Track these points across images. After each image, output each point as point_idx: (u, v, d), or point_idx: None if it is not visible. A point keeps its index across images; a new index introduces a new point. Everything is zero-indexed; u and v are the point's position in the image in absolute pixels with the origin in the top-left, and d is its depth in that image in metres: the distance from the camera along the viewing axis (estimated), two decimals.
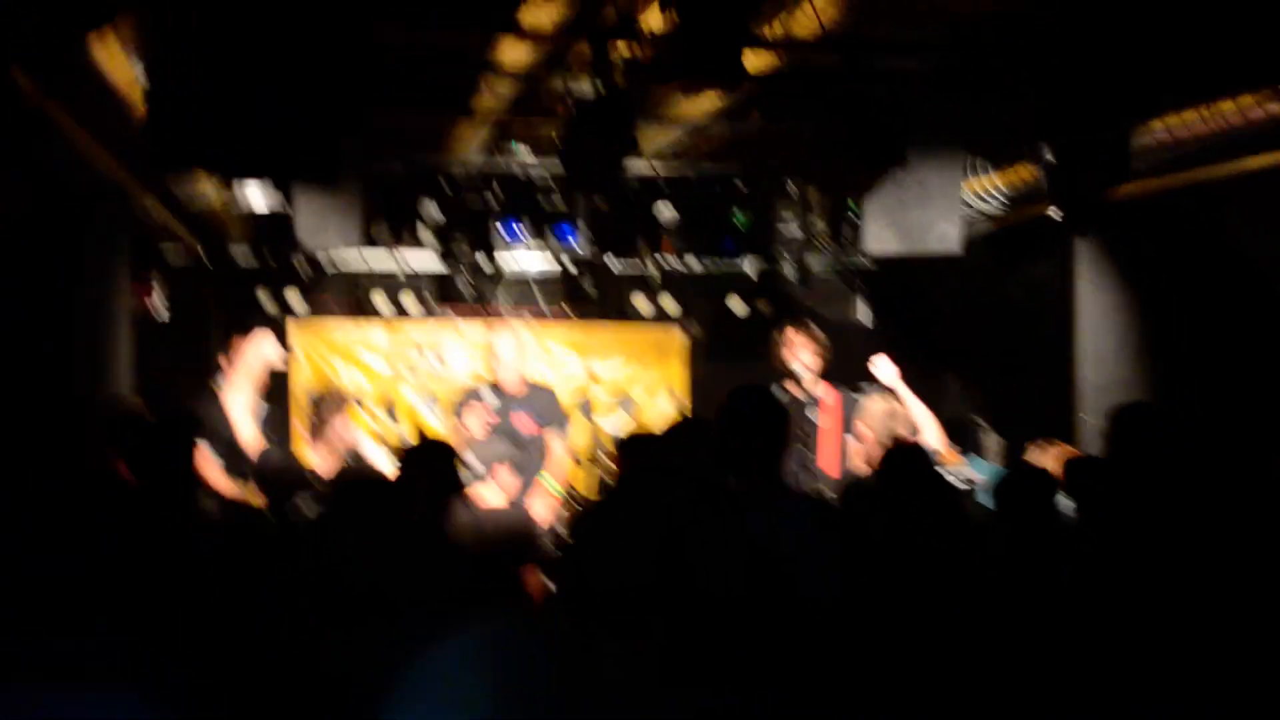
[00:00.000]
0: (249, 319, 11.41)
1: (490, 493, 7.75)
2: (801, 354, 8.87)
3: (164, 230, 9.77)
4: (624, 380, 12.43)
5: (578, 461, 9.26)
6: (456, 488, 5.82)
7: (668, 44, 6.41)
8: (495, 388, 9.33)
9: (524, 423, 9.28)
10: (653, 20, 6.83)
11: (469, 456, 7.96)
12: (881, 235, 8.45)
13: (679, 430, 4.82)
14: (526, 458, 9.01)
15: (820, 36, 6.39)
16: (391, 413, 11.76)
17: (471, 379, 10.48)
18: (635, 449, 5.57)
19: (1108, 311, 8.56)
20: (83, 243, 8.11)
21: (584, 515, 2.21)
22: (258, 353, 7.84)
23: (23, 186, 7.66)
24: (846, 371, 11.90)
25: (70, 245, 8.02)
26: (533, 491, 8.82)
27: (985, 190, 8.65)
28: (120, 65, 5.66)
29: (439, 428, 11.87)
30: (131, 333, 8.45)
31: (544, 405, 9.50)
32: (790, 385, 8.80)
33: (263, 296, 11.21)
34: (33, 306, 7.77)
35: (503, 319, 11.74)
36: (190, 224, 9.77)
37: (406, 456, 6.04)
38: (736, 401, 4.93)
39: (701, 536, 4.34)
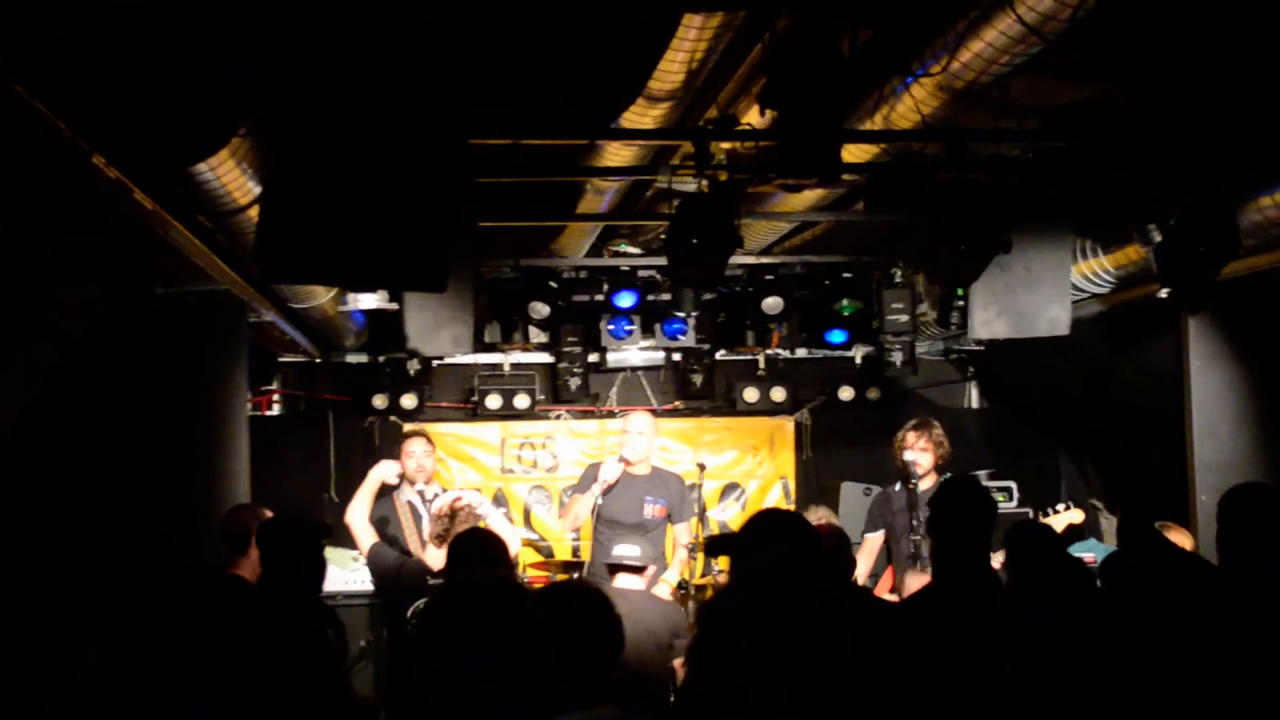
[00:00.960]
0: (362, 419, 11.62)
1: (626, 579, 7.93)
2: (921, 456, 8.97)
3: (282, 337, 9.97)
4: (736, 473, 12.44)
5: (690, 552, 9.25)
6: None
7: (768, 140, 6.49)
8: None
9: (655, 506, 9.34)
10: (753, 117, 6.92)
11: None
12: (990, 321, 8.44)
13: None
14: (653, 544, 9.06)
15: (920, 127, 6.42)
16: (503, 507, 11.86)
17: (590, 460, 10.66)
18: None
19: (1221, 389, 8.45)
20: (204, 352, 8.32)
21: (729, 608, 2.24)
22: (379, 474, 8.23)
23: (145, 299, 7.90)
24: (960, 456, 11.84)
25: (192, 355, 8.22)
26: (652, 579, 8.86)
27: (1094, 272, 8.60)
28: (238, 182, 5.82)
29: (550, 524, 11.95)
30: (250, 437, 8.61)
31: (670, 490, 9.52)
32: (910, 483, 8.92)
33: (376, 399, 11.36)
34: (156, 414, 7.97)
35: (614, 414, 11.86)
36: (307, 331, 9.96)
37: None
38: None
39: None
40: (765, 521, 4.48)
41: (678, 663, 7.41)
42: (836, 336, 11.55)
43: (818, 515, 8.98)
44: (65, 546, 5.77)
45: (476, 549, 6.08)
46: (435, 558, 8.11)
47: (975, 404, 13.33)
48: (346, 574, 9.97)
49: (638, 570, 8.27)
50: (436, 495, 9.11)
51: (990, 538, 5.32)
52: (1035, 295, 8.40)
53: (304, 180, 4.96)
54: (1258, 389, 8.44)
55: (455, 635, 3.01)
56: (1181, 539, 7.64)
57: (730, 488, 12.37)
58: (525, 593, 3.17)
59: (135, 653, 3.57)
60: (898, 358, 11.14)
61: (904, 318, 10.80)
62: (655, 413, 11.97)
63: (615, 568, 8.26)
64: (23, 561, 5.78)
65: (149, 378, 8.10)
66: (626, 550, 8.25)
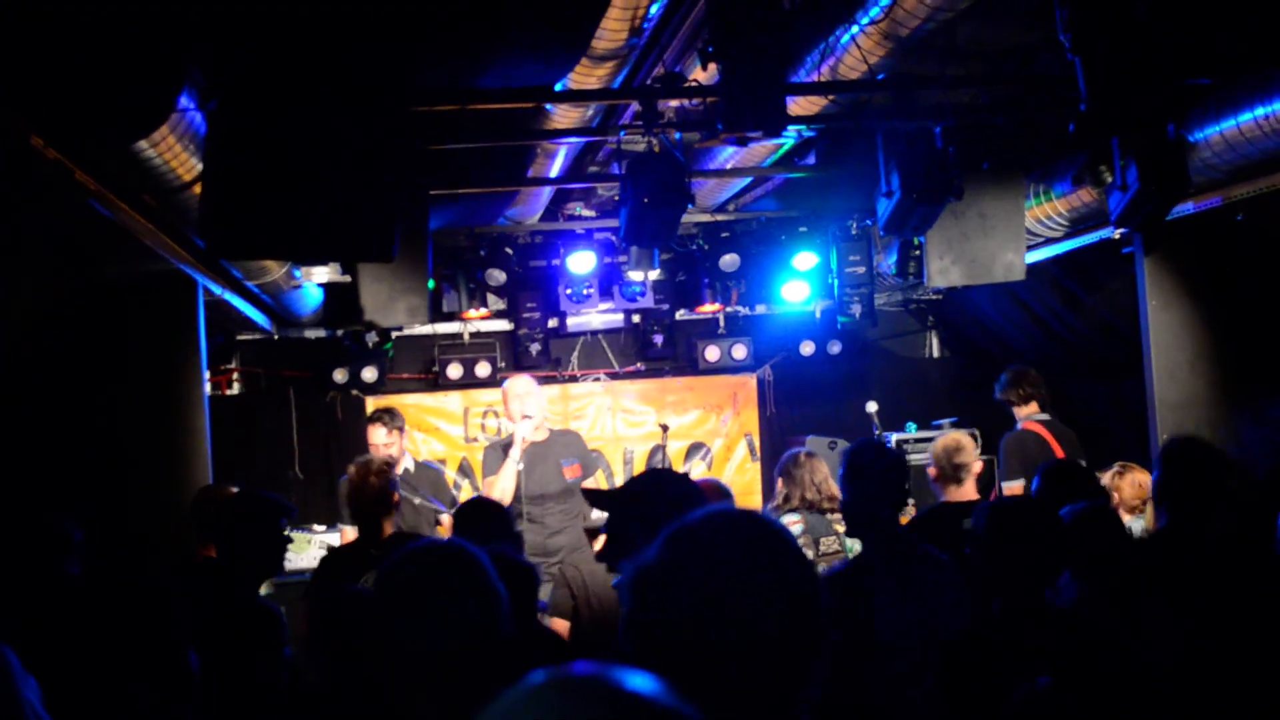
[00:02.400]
0: (323, 395, 11.58)
1: None
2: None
3: (239, 315, 9.91)
4: (700, 432, 12.45)
5: None
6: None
7: (714, 96, 6.47)
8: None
9: (570, 467, 9.13)
10: (701, 74, 6.89)
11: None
12: (946, 269, 8.45)
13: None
14: (574, 503, 9.00)
15: (867, 77, 6.41)
16: (469, 476, 11.84)
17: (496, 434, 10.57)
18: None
19: (1178, 329, 8.48)
20: (159, 333, 8.26)
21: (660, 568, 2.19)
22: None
23: (94, 282, 7.83)
24: (923, 405, 11.89)
25: (146, 337, 8.16)
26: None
27: (1047, 216, 8.61)
28: (181, 159, 5.76)
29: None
30: (211, 417, 8.56)
31: (575, 447, 9.33)
32: None
33: (337, 373, 11.31)
34: (112, 396, 7.91)
35: (575, 379, 11.85)
36: (263, 307, 9.90)
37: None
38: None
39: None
40: (652, 480, 4.46)
41: None
42: (795, 292, 11.55)
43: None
44: (25, 534, 5.71)
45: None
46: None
47: (936, 353, 13.37)
48: (307, 554, 9.89)
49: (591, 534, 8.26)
50: (406, 470, 9.09)
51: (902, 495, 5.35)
52: (990, 242, 8.41)
53: (247, 154, 4.92)
54: (1213, 327, 8.47)
55: (410, 606, 3.00)
56: (1143, 478, 7.67)
57: (695, 447, 12.38)
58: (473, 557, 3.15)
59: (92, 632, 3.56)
60: (857, 310, 11.15)
61: (861, 269, 10.82)
62: (616, 375, 11.98)
63: (597, 532, 8.17)
64: None
65: (103, 361, 8.04)
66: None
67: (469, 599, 3.05)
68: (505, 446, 8.93)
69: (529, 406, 8.88)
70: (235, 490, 6.96)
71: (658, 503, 3.98)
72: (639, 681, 1.57)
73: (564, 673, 1.58)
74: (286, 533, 5.74)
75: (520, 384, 9.08)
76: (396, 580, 3.08)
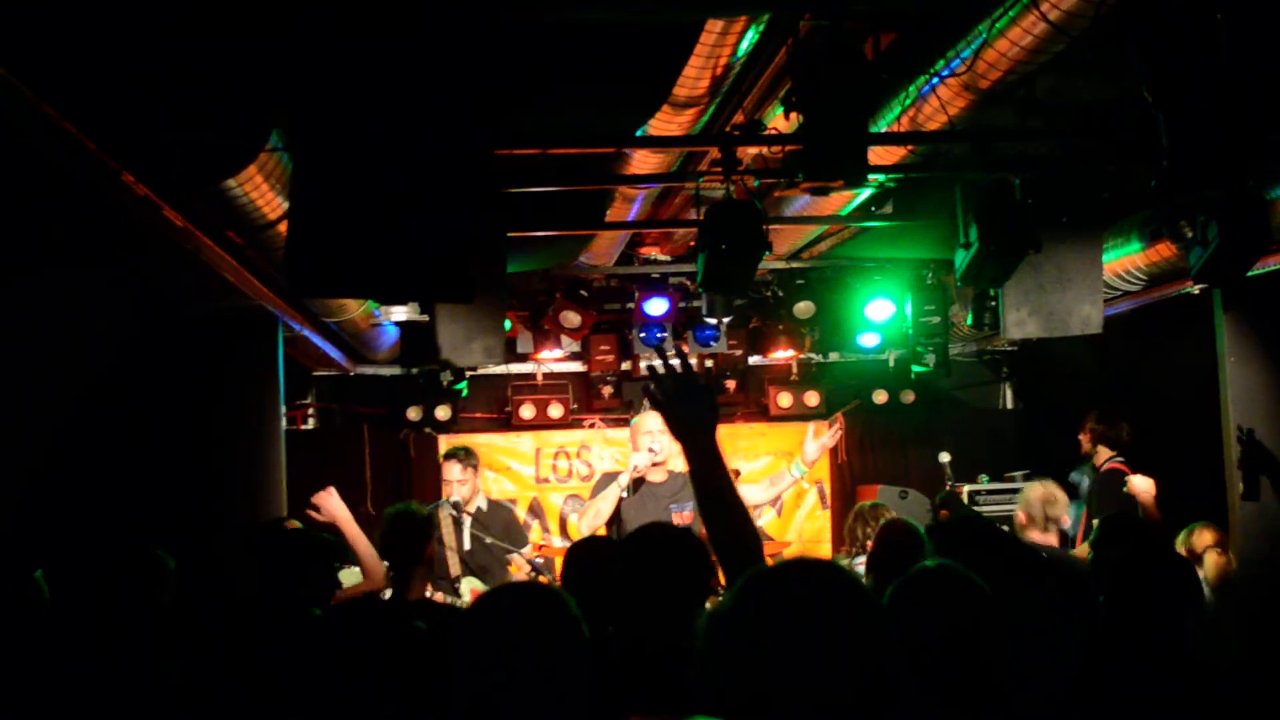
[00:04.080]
0: (397, 432, 11.67)
1: None
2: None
3: (315, 351, 10.02)
4: (773, 476, 12.40)
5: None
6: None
7: (794, 144, 6.50)
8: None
9: (681, 514, 9.10)
10: (780, 121, 6.92)
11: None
12: (1022, 321, 8.40)
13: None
14: None
15: (946, 128, 6.42)
16: (539, 517, 11.89)
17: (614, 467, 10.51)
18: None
19: (1256, 386, 8.39)
20: (238, 369, 8.37)
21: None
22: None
23: (179, 316, 7.95)
24: (995, 457, 11.81)
25: (226, 372, 8.28)
26: None
27: (1125, 270, 8.57)
28: (267, 197, 5.85)
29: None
30: (287, 450, 8.65)
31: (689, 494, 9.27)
32: None
33: (410, 411, 11.41)
34: (194, 429, 8.03)
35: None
36: (339, 344, 10.00)
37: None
38: None
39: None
40: (650, 534, 4.45)
41: None
42: (869, 340, 11.54)
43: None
44: (103, 564, 5.81)
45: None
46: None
47: (1010, 405, 13.29)
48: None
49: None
50: (479, 509, 9.14)
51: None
52: (1067, 294, 8.36)
53: (332, 194, 4.97)
54: None
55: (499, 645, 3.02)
56: (1210, 537, 7.64)
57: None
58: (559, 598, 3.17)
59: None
60: (931, 360, 11.12)
61: (936, 319, 10.78)
62: None
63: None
64: (59, 580, 5.81)
65: (183, 396, 8.16)
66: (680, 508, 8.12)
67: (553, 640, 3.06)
68: (618, 475, 8.87)
69: (656, 443, 8.83)
70: (294, 525, 7.03)
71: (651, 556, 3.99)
72: None
73: None
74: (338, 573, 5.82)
75: (650, 420, 9.04)
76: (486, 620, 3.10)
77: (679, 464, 9.64)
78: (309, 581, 5.75)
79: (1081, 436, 9.79)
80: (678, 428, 3.48)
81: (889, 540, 6.38)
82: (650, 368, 3.54)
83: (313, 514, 7.31)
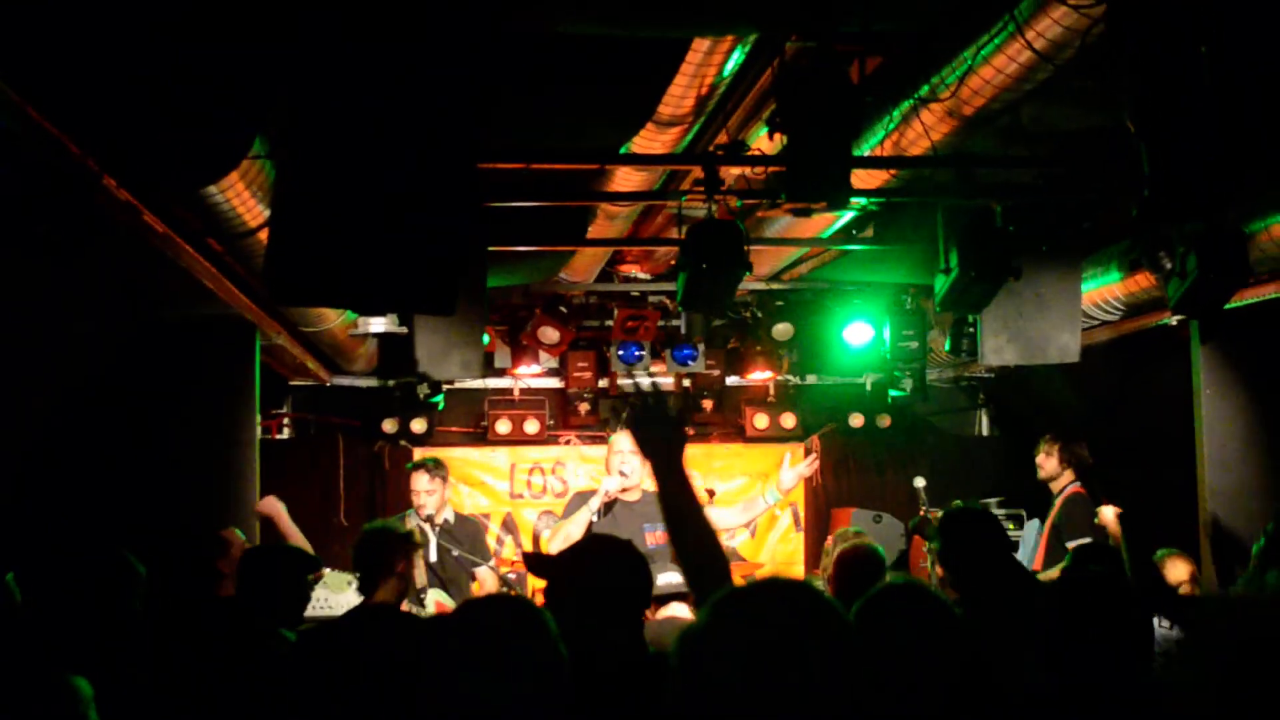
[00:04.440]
0: (372, 444, 11.64)
1: None
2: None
3: (292, 361, 9.99)
4: (745, 499, 12.40)
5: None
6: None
7: (778, 165, 6.50)
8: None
9: (654, 533, 9.05)
10: (763, 142, 6.93)
11: None
12: (1000, 347, 8.43)
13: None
14: (660, 570, 8.90)
15: (929, 153, 6.43)
16: (512, 533, 11.85)
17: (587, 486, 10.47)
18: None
19: (1231, 416, 8.44)
20: (215, 376, 8.35)
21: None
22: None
23: (156, 322, 7.92)
24: (971, 483, 11.82)
25: (202, 379, 8.25)
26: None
27: (1104, 299, 8.60)
28: (248, 205, 5.84)
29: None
30: (261, 459, 8.63)
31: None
32: None
33: (386, 423, 11.39)
34: (168, 435, 8.00)
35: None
36: (316, 354, 9.98)
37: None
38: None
39: None
40: (594, 547, 4.45)
41: None
42: (847, 363, 11.54)
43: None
44: (75, 568, 5.77)
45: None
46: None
47: (985, 431, 13.31)
48: (343, 597, 9.85)
49: (685, 598, 8.08)
50: (446, 521, 9.10)
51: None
52: (1046, 322, 8.39)
53: (314, 202, 4.95)
54: (1266, 416, 8.43)
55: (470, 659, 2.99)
56: (1183, 566, 7.65)
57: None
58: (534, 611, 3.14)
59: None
60: (908, 385, 11.13)
61: (914, 344, 10.79)
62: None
63: (664, 598, 7.89)
64: (32, 586, 5.78)
65: (159, 401, 8.13)
66: (670, 578, 8.05)
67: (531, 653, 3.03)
68: (591, 495, 8.81)
69: (625, 465, 8.80)
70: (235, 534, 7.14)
71: (593, 571, 3.98)
72: None
73: None
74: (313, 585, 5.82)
75: (623, 440, 9.01)
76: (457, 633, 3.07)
77: (652, 483, 9.61)
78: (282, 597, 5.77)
79: (1043, 459, 9.72)
80: (646, 447, 3.63)
81: (850, 563, 6.46)
82: (633, 386, 3.65)
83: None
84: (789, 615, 2.34)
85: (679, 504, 3.48)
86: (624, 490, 8.71)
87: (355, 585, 9.19)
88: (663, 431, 3.62)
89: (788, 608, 2.36)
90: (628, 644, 3.77)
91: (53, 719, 2.37)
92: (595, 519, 8.59)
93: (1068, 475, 9.55)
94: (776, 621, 2.32)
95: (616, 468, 8.69)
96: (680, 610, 7.88)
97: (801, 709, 2.25)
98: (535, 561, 4.35)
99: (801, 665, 2.27)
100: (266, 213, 5.94)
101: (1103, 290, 8.57)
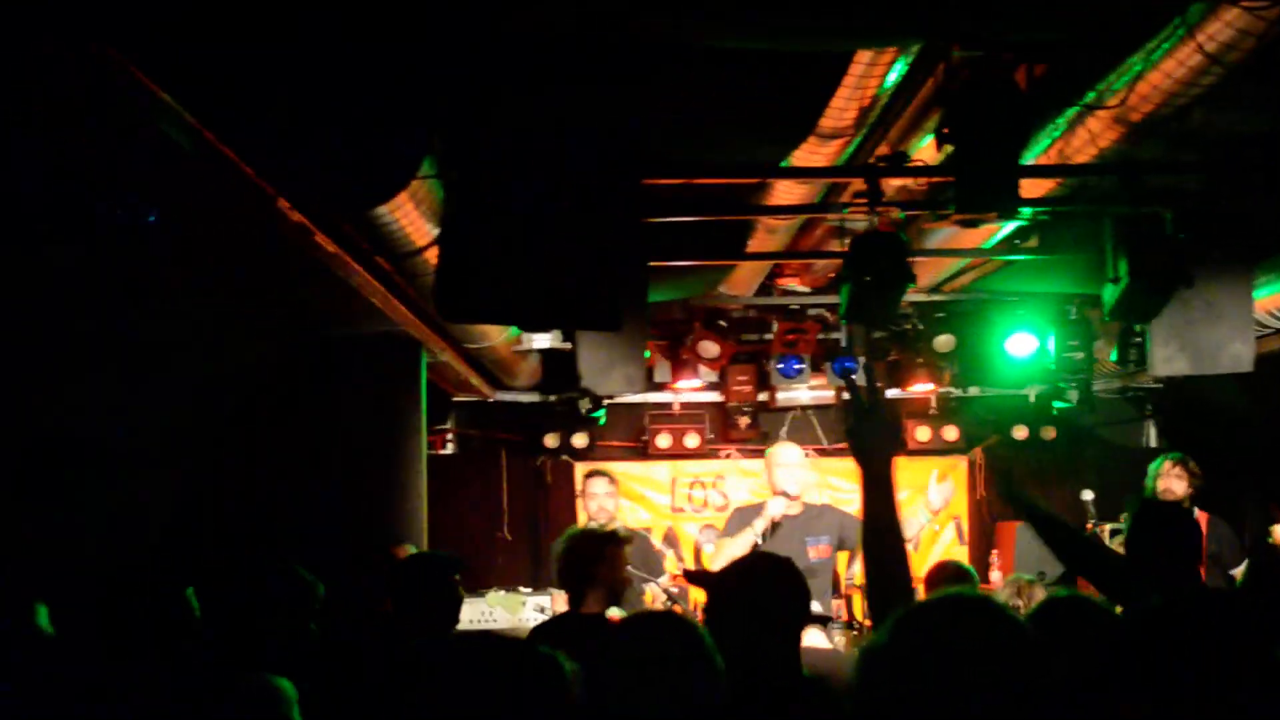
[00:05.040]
0: (534, 458, 11.75)
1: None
2: (1175, 484, 8.73)
3: (456, 377, 10.12)
4: (908, 512, 12.29)
5: (861, 589, 9.03)
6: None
7: (942, 176, 6.45)
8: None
9: (817, 547, 9.00)
10: (924, 152, 6.88)
11: None
12: (1170, 357, 8.26)
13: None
14: (816, 584, 8.88)
15: (1096, 160, 6.33)
16: (674, 546, 11.87)
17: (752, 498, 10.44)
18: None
19: None
20: (382, 393, 8.49)
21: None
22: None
23: (326, 339, 8.08)
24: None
25: (370, 396, 8.39)
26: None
27: (1278, 307, 8.39)
28: (416, 224, 5.93)
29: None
30: (427, 474, 8.75)
31: (829, 521, 9.17)
32: None
33: (548, 438, 11.50)
34: (339, 452, 8.15)
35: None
36: (480, 370, 10.10)
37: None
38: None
39: None
40: (755, 565, 4.42)
41: None
42: (1009, 375, 11.39)
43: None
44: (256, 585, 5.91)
45: None
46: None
47: (1154, 443, 13.04)
48: (518, 616, 9.92)
49: (822, 622, 8.02)
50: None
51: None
52: (1217, 331, 8.20)
53: (481, 222, 5.03)
54: None
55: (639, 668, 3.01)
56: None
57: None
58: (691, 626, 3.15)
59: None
60: (1073, 396, 10.96)
61: (1079, 355, 10.62)
62: (825, 451, 11.89)
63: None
64: (213, 602, 5.93)
65: (329, 419, 8.29)
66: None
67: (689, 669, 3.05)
68: (755, 512, 8.76)
69: (788, 480, 8.74)
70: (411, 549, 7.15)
71: (753, 589, 3.96)
72: None
73: None
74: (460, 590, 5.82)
75: (784, 453, 8.95)
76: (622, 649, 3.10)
77: (814, 495, 9.58)
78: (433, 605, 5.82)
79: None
80: (860, 453, 3.51)
81: (938, 580, 6.42)
82: (849, 387, 3.60)
83: None
84: (972, 631, 2.32)
85: (881, 516, 3.43)
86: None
87: (530, 604, 9.30)
88: (880, 438, 3.53)
89: (970, 623, 2.34)
90: (783, 663, 3.76)
91: (262, 716, 2.44)
92: (760, 541, 8.53)
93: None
94: (960, 637, 2.30)
95: (780, 481, 8.64)
96: (817, 638, 7.83)
97: None
98: (697, 578, 4.37)
99: (984, 680, 2.25)
100: (434, 232, 6.03)
101: (1276, 298, 8.36)
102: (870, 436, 3.51)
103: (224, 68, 4.52)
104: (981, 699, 2.24)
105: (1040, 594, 7.33)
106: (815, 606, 7.37)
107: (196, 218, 5.56)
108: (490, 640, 4.41)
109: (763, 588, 3.98)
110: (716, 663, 3.10)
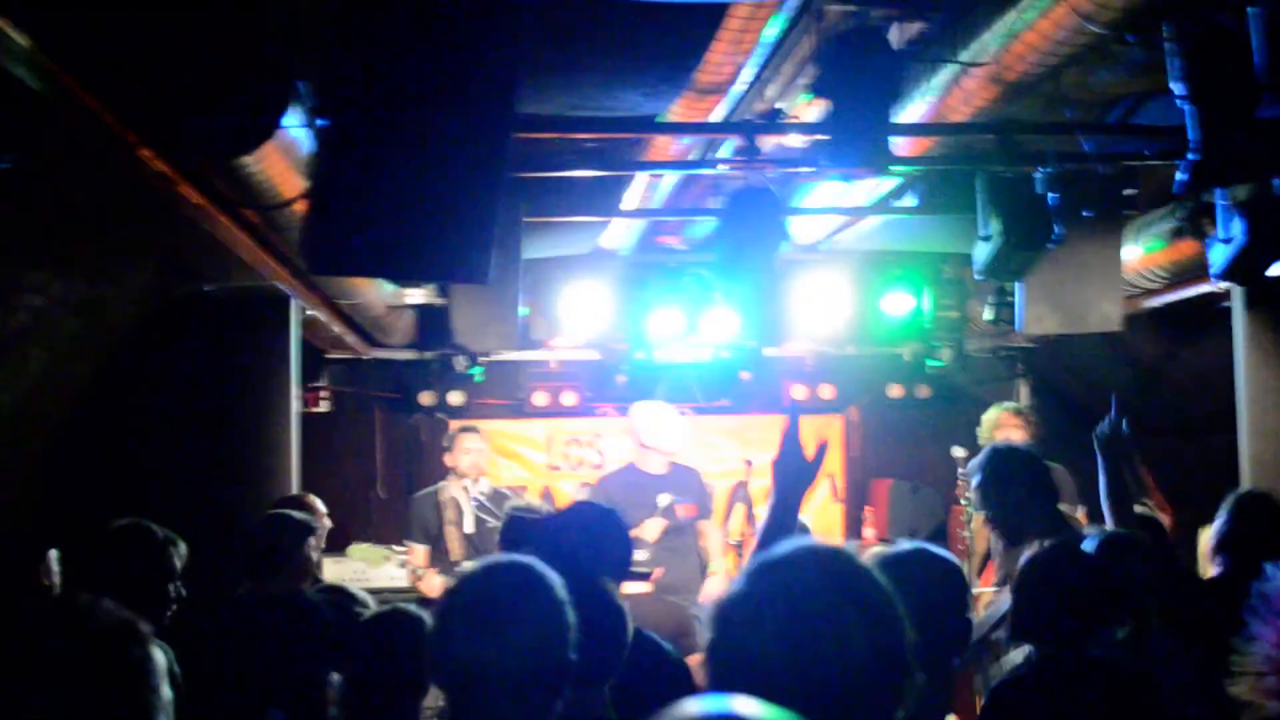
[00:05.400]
0: (409, 416, 11.65)
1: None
2: (1013, 434, 8.83)
3: (329, 334, 9.98)
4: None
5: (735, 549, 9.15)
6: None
7: (818, 134, 6.44)
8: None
9: (684, 507, 9.15)
10: (801, 110, 6.87)
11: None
12: (1041, 316, 8.36)
13: None
14: (682, 541, 8.95)
15: (971, 119, 6.36)
16: (550, 505, 11.84)
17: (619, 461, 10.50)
18: None
19: (1274, 385, 8.33)
20: (253, 349, 8.35)
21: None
22: None
23: (193, 293, 7.92)
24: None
25: (240, 352, 8.25)
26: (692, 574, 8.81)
27: (1147, 267, 8.50)
28: (284, 175, 5.81)
29: None
30: (299, 432, 8.63)
31: (694, 486, 9.37)
32: None
33: (423, 396, 11.41)
34: (205, 407, 8.01)
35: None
36: (354, 327, 9.97)
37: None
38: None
39: None
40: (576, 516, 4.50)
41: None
42: (884, 333, 11.47)
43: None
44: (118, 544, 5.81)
45: None
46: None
47: (1026, 401, 13.20)
48: (382, 571, 9.82)
49: (643, 576, 8.18)
50: (483, 493, 9.10)
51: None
52: (1087, 290, 8.31)
53: (349, 173, 4.93)
54: None
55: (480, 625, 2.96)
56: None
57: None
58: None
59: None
60: (947, 355, 11.07)
61: (954, 314, 10.73)
62: (702, 409, 11.90)
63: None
64: (73, 560, 5.81)
65: (198, 374, 8.14)
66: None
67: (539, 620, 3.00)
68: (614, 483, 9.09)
69: (658, 438, 8.91)
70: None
71: (578, 539, 3.98)
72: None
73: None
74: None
75: (648, 412, 9.09)
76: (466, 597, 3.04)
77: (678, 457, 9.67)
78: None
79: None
80: (780, 480, 3.71)
81: None
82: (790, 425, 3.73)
83: None
84: (825, 580, 2.32)
85: (783, 533, 3.47)
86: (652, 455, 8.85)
87: (394, 559, 9.27)
88: (804, 473, 3.73)
89: (824, 573, 2.34)
90: (603, 613, 3.75)
91: (128, 685, 2.36)
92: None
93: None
94: (812, 586, 2.31)
95: (651, 442, 8.79)
96: (635, 587, 7.93)
97: (837, 674, 2.24)
98: (514, 528, 4.37)
99: (837, 631, 2.26)
100: (303, 184, 5.90)
101: (1146, 258, 8.47)
102: (800, 465, 3.72)
103: (79, 6, 4.39)
104: (833, 645, 2.24)
105: None
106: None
107: (55, 167, 5.40)
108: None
109: (580, 537, 4.00)
110: (567, 614, 3.05)
